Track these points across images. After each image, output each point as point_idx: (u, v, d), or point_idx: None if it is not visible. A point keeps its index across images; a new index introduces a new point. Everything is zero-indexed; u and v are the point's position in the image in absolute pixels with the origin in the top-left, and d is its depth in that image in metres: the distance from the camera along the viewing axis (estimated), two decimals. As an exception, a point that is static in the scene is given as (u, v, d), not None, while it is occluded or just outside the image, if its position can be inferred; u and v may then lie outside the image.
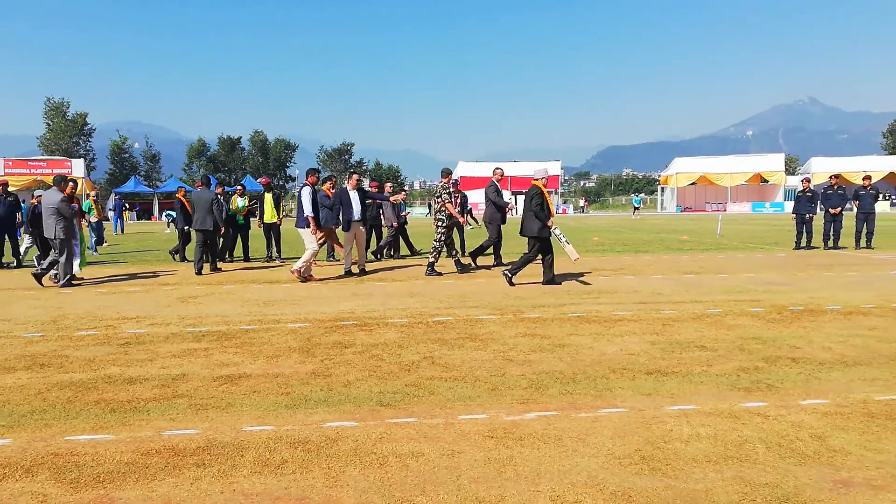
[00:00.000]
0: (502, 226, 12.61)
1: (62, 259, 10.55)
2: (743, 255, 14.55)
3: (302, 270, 10.65)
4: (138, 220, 54.83)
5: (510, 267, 9.79)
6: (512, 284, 9.65)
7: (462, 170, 58.31)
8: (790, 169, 67.61)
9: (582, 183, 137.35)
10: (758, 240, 19.22)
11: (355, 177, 12.04)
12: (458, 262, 11.69)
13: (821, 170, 52.86)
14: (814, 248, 15.62)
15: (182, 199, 14.31)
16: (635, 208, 49.77)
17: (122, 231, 29.94)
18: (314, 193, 10.92)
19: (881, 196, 22.59)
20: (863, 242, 15.56)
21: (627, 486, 3.08)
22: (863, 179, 16.60)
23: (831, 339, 6.04)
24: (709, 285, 9.60)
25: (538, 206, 9.45)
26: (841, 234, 15.72)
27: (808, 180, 16.30)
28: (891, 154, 68.68)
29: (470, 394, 4.53)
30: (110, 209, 37.06)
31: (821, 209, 15.95)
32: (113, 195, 50.70)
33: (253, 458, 3.49)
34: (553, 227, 9.64)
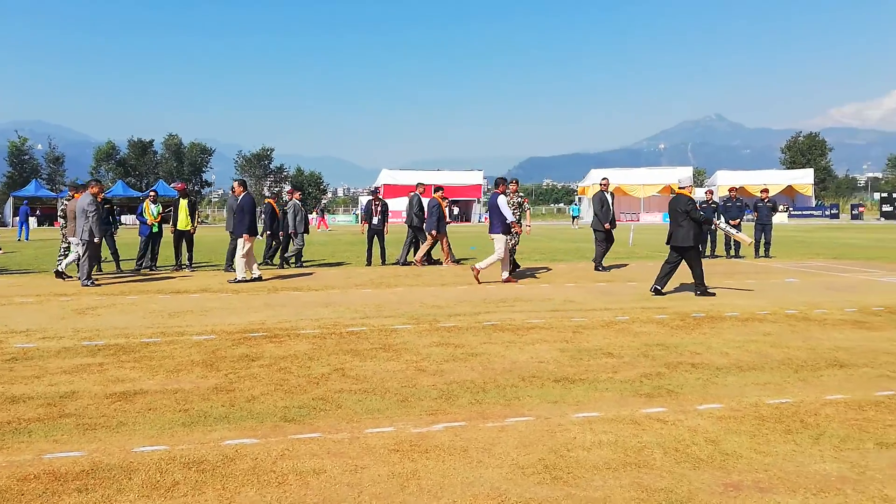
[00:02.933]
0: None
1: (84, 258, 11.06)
2: (653, 263, 15.11)
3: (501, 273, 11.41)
4: (39, 225, 51.53)
5: (658, 283, 9.64)
6: (662, 294, 9.61)
7: (385, 178, 58.08)
8: (698, 181, 71.09)
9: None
10: (667, 249, 20.02)
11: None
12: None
13: (726, 182, 55.75)
14: (717, 256, 16.43)
15: (272, 204, 14.63)
16: (574, 218, 45.98)
17: (27, 238, 28.09)
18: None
19: (779, 208, 24.25)
20: (761, 252, 16.50)
21: (528, 497, 3.09)
22: (761, 192, 17.61)
23: (729, 344, 6.33)
24: (619, 293, 9.90)
25: (697, 213, 9.39)
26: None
27: (711, 192, 17.15)
28: (789, 168, 73.48)
29: (379, 406, 4.45)
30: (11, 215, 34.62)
31: (721, 220, 16.78)
32: (11, 199, 47.52)
33: (141, 480, 3.29)
34: (719, 223, 9.91)
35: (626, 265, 14.57)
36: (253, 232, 11.57)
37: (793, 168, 72.29)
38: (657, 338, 6.63)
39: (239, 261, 11.51)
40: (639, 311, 8.20)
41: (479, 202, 59.66)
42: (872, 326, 7.23)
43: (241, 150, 79.85)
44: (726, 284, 10.97)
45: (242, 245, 11.48)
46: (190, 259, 13.90)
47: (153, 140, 75.10)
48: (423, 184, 15.38)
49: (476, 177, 60.15)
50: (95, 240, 11.04)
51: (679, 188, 9.78)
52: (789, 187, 60.48)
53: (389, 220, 15.71)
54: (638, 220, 55.97)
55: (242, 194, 11.91)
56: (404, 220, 15.16)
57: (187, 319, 7.79)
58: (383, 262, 14.89)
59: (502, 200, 11.19)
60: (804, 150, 79.70)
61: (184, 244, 13.84)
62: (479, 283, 11.04)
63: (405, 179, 56.57)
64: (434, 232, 14.32)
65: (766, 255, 16.38)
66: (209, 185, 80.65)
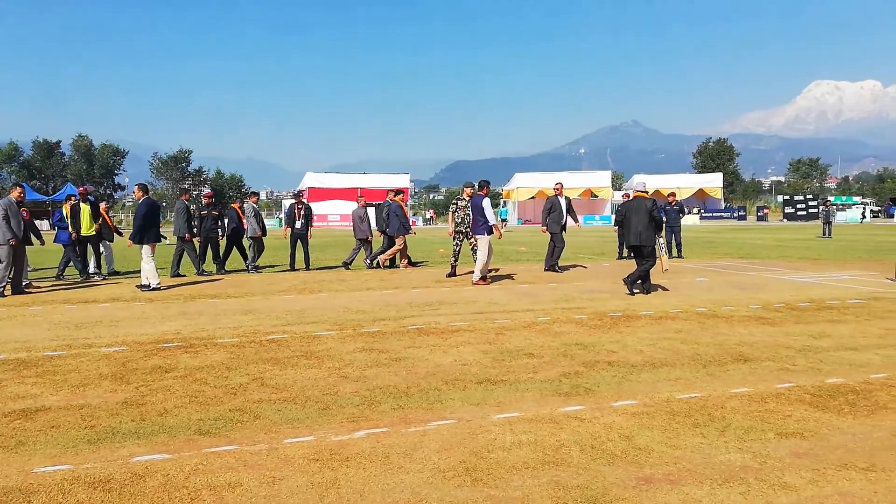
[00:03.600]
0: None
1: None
2: (573, 264, 15.52)
3: (480, 277, 11.54)
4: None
5: (630, 282, 9.89)
6: (634, 294, 9.97)
7: (310, 181, 57.20)
8: (616, 185, 73.66)
9: (431, 196, 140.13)
10: (587, 251, 20.63)
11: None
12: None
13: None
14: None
15: (238, 209, 14.53)
16: (503, 221, 44.97)
17: None
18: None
19: (686, 211, 25.71)
20: (674, 252, 17.24)
21: (449, 500, 3.10)
22: (668, 196, 18.43)
23: (643, 342, 6.57)
24: (540, 295, 10.11)
25: (660, 216, 9.99)
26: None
27: (628, 195, 17.79)
28: (700, 172, 77.17)
29: (298, 415, 4.37)
30: None
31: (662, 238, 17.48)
32: None
33: (42, 503, 3.09)
34: (661, 237, 10.33)
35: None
36: (146, 239, 11.06)
37: (704, 172, 75.97)
38: (576, 337, 6.81)
39: (145, 266, 11.00)
40: (559, 312, 8.40)
41: (407, 205, 59.58)
42: (774, 322, 7.67)
43: (156, 151, 76.78)
44: (639, 284, 11.38)
45: (144, 252, 11.00)
46: (98, 266, 13.23)
47: (60, 141, 71.21)
48: (394, 189, 15.53)
49: (403, 180, 60.06)
50: (12, 242, 10.33)
51: (638, 192, 10.27)
52: (700, 190, 63.47)
53: (314, 223, 15.53)
54: (560, 223, 57.23)
55: (142, 199, 11.43)
56: (353, 229, 15.24)
57: (96, 330, 7.40)
58: (307, 267, 14.63)
59: (487, 203, 11.42)
60: (714, 155, 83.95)
61: (90, 250, 13.15)
62: (489, 283, 11.57)
63: (331, 182, 55.92)
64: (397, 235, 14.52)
65: (679, 256, 17.13)
66: (122, 188, 77.06)
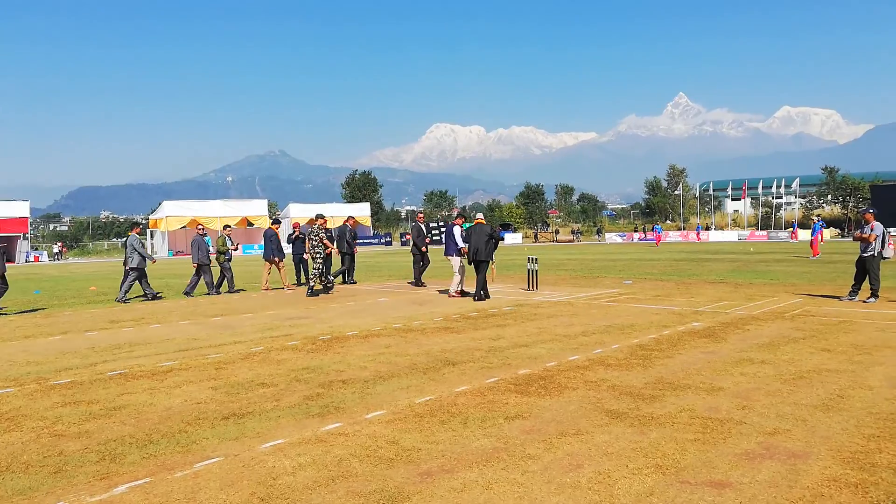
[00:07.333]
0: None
1: None
2: (240, 296, 15.34)
3: (455, 290, 13.31)
4: None
5: (479, 292, 12.29)
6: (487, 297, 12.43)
7: None
8: (272, 214, 74.03)
9: (53, 226, 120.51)
10: (255, 279, 20.48)
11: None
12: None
13: (299, 214, 59.34)
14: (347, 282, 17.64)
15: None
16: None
17: None
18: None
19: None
20: (347, 277, 18.32)
21: (263, 530, 3.08)
22: (346, 221, 19.59)
23: (363, 359, 7.06)
24: (239, 326, 9.89)
25: (498, 236, 12.66)
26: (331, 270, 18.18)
27: (298, 224, 18.35)
28: (349, 202, 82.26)
29: (29, 484, 3.71)
30: None
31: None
32: None
33: None
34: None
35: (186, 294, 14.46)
36: None
37: (353, 202, 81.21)
38: (300, 363, 6.96)
39: None
40: (269, 341, 8.40)
41: (25, 238, 50.52)
42: (458, 331, 8.91)
43: None
44: (331, 307, 11.94)
45: None
46: None
47: None
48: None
49: (21, 209, 50.97)
50: None
51: (478, 219, 12.70)
52: (350, 217, 67.64)
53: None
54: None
55: None
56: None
57: None
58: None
59: (457, 230, 13.30)
60: (360, 186, 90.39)
61: None
62: (464, 296, 13.11)
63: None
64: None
65: (352, 281, 18.29)
66: None
